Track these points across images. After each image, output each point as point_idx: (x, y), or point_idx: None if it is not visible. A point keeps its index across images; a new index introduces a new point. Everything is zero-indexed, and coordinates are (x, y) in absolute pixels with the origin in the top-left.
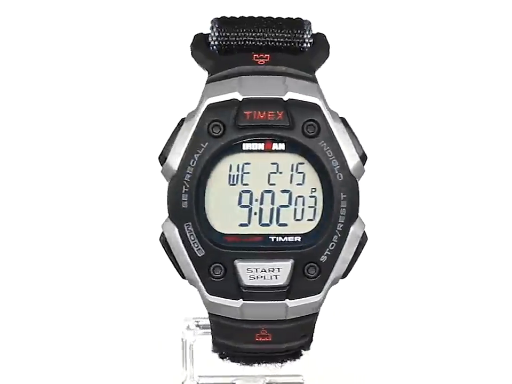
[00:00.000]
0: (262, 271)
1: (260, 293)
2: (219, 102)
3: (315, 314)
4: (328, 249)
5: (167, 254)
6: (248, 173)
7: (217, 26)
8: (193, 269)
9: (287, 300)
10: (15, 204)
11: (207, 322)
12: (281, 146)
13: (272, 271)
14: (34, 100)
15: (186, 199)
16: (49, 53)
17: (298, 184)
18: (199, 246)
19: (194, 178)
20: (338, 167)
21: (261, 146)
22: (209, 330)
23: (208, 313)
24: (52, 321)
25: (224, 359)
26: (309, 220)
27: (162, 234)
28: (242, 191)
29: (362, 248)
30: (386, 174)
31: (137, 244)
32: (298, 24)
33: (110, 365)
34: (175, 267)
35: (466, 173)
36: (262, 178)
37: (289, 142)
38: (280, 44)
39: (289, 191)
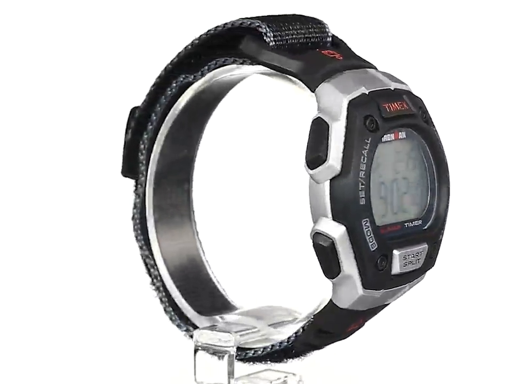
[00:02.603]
0: (412, 257)
1: (401, 279)
2: (357, 97)
3: None
4: (443, 229)
5: (322, 256)
6: (381, 164)
7: (268, 25)
8: (357, 265)
9: (408, 283)
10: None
11: None
12: (404, 134)
13: (418, 255)
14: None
15: (363, 196)
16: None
17: (412, 170)
18: (373, 240)
19: (368, 174)
20: (444, 150)
21: (392, 136)
22: None
23: (339, 308)
24: (60, 327)
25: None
26: (419, 203)
27: (323, 238)
28: (379, 182)
29: None
30: None
31: None
32: (317, 20)
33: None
34: (323, 267)
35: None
36: (390, 168)
37: (411, 130)
38: (314, 39)
39: (407, 177)
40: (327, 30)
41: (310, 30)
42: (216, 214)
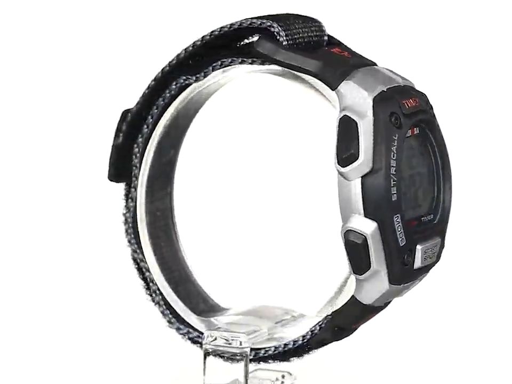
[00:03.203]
0: (430, 251)
1: (418, 273)
2: (379, 94)
3: None
4: (448, 222)
5: (354, 253)
6: (402, 160)
7: (279, 25)
8: (385, 260)
9: (420, 278)
10: None
11: None
12: (417, 130)
13: (434, 249)
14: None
15: (395, 192)
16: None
17: (422, 165)
18: (403, 235)
19: (398, 171)
20: (446, 145)
21: (409, 132)
22: None
23: (362, 305)
24: (59, 331)
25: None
26: (429, 198)
27: (356, 235)
28: (399, 178)
29: None
30: None
31: None
32: (315, 19)
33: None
34: (351, 264)
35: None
36: (406, 163)
37: (423, 126)
38: (315, 38)
39: (420, 172)
40: (323, 29)
41: (312, 29)
42: (211, 216)
